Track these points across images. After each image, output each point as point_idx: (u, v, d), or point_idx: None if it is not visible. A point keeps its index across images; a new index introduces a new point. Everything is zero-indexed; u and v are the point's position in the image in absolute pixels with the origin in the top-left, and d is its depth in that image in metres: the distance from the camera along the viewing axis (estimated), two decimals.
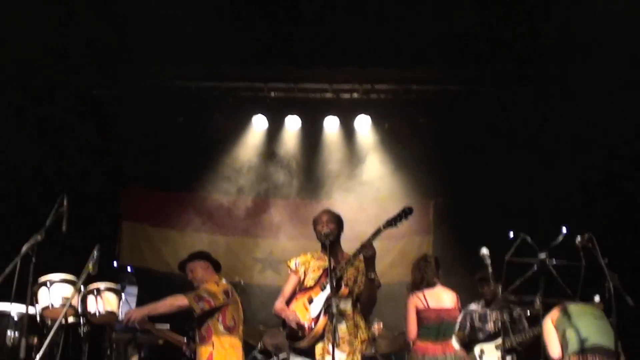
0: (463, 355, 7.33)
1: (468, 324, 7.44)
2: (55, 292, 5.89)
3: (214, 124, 10.59)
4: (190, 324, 6.79)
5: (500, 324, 6.77)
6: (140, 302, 8.41)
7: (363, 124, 10.70)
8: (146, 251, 11.07)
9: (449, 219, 10.39)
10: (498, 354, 7.03)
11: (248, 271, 10.68)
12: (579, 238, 5.77)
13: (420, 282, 6.89)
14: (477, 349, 7.25)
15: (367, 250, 5.63)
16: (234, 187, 10.83)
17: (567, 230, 5.78)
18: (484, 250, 6.01)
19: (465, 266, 8.16)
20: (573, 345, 6.34)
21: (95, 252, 5.60)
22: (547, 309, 6.04)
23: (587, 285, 5.89)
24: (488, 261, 5.99)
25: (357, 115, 10.63)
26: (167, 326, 7.75)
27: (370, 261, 5.69)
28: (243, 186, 10.85)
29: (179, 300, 6.23)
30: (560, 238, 5.70)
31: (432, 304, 6.85)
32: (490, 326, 7.29)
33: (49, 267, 5.93)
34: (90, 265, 5.56)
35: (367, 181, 10.53)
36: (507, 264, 5.59)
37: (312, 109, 10.60)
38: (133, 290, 9.11)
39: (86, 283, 5.88)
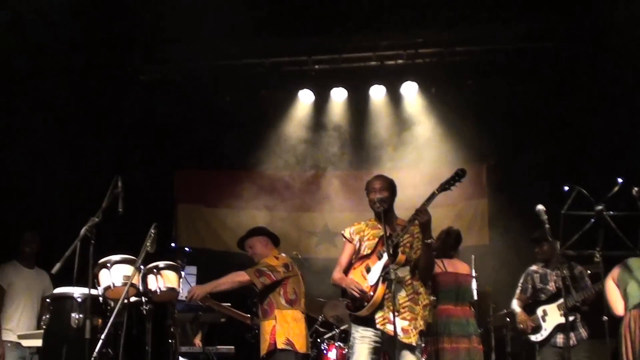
0: (524, 319, 7.26)
1: (530, 286, 7.38)
2: (116, 272, 5.92)
3: (260, 100, 10.61)
4: (253, 300, 6.83)
5: (560, 281, 6.69)
6: (200, 282, 8.49)
7: (410, 90, 10.60)
8: (203, 232, 11.21)
9: (503, 181, 10.26)
10: (561, 313, 6.96)
11: (304, 245, 10.71)
12: (635, 188, 5.70)
13: (436, 251, 6.91)
14: (539, 311, 7.19)
15: (422, 216, 5.54)
16: (284, 163, 10.87)
17: (622, 181, 5.69)
18: (540, 207, 5.96)
19: (523, 226, 8.09)
20: (635, 298, 6.29)
21: (152, 231, 5.69)
22: (606, 263, 5.95)
23: None
24: (544, 217, 5.94)
25: (403, 81, 10.53)
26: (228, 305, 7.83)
27: (426, 227, 5.61)
28: (294, 161, 10.89)
29: (240, 277, 6.30)
30: (616, 189, 5.61)
31: (449, 269, 6.95)
32: (551, 286, 7.21)
33: (108, 249, 6.03)
34: (148, 244, 5.65)
35: (417, 147, 10.42)
36: (564, 217, 5.52)
37: (357, 78, 10.52)
38: (192, 269, 9.21)
39: (145, 262, 5.95)
